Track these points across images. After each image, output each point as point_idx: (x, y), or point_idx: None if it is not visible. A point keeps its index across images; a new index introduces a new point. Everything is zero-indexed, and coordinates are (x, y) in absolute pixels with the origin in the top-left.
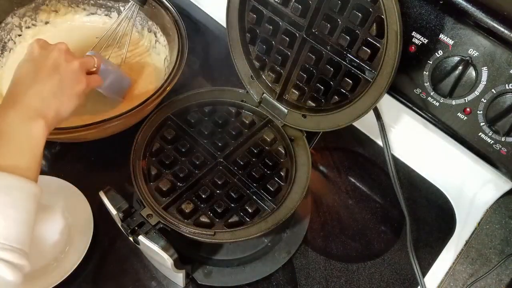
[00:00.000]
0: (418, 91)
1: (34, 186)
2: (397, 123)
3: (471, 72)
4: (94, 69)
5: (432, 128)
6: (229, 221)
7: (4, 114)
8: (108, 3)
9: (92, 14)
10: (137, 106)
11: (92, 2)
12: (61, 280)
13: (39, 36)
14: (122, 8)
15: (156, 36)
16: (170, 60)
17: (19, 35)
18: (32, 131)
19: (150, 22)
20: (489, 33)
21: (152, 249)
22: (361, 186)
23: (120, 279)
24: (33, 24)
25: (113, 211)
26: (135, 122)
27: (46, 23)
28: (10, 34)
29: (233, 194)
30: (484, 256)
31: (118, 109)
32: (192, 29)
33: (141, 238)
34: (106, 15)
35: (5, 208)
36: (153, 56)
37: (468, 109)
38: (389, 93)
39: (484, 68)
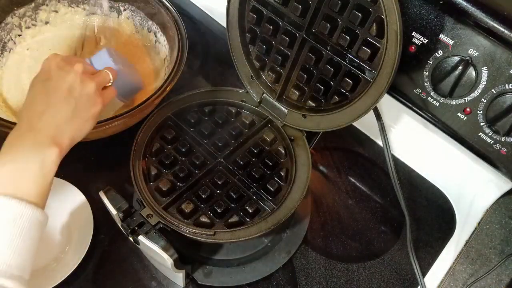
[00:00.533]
0: (418, 91)
1: (41, 214)
2: (397, 123)
3: (471, 72)
4: (110, 83)
5: (432, 128)
6: (229, 221)
7: (19, 139)
8: (108, 3)
9: (92, 14)
10: (137, 107)
11: (92, 2)
12: (61, 280)
13: (39, 37)
14: (122, 8)
15: (156, 36)
16: (170, 60)
17: (19, 35)
18: (45, 159)
19: (150, 22)
20: (489, 33)
21: (152, 249)
22: (361, 186)
23: (120, 279)
24: (33, 24)
25: (113, 211)
26: (135, 122)
27: (46, 23)
28: (10, 34)
29: (233, 194)
30: (484, 256)
31: (117, 110)
32: (192, 29)
33: (141, 238)
34: (106, 15)
35: (13, 237)
36: (153, 56)
37: (468, 109)
38: (389, 93)
39: (484, 68)
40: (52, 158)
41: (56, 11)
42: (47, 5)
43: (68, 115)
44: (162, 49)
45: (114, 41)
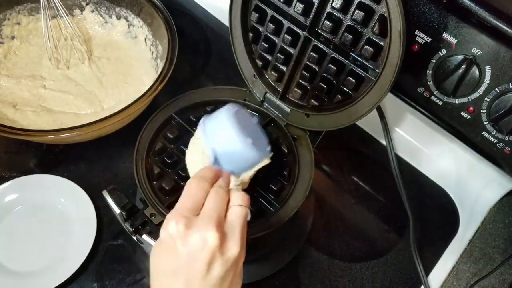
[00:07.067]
0: (421, 90)
1: None
2: (400, 122)
3: (475, 71)
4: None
5: (435, 127)
6: None
7: None
8: (68, 1)
9: (54, 17)
10: (130, 105)
11: (52, 5)
12: (64, 279)
13: (11, 55)
14: (83, 3)
15: (127, 21)
16: (153, 39)
17: None
18: None
19: (117, 9)
20: (493, 32)
21: None
22: (364, 186)
23: (123, 279)
24: (0, 42)
25: (117, 210)
26: (128, 121)
27: (13, 37)
28: None
29: None
30: (488, 255)
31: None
32: (194, 28)
33: (144, 237)
34: (68, 14)
35: None
36: (130, 42)
37: (471, 108)
38: (392, 92)
39: (488, 67)
40: None
41: (19, 23)
42: (8, 19)
43: None
44: (139, 30)
45: (84, 40)
